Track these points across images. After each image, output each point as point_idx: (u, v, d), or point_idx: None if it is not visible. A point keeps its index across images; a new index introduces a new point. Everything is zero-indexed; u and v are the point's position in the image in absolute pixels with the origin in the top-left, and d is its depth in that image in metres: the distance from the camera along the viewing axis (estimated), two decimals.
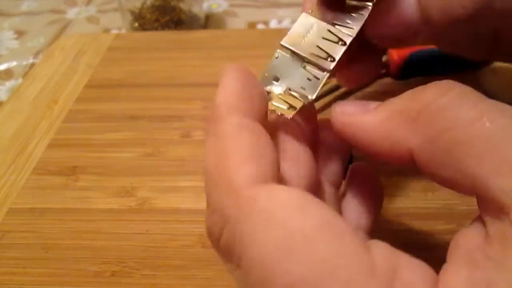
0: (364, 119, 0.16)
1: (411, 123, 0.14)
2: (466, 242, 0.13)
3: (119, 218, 0.30)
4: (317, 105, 0.37)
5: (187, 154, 0.35)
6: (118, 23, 0.58)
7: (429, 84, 0.15)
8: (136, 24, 0.54)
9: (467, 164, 0.13)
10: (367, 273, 0.12)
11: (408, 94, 0.15)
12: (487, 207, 0.13)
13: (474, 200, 0.14)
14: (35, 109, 0.40)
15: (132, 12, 0.53)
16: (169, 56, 0.46)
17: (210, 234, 0.15)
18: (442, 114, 0.14)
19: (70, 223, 0.30)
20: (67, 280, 0.27)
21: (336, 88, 0.37)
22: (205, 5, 0.59)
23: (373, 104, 0.17)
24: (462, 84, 0.14)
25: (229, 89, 0.17)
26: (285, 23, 0.56)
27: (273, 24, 0.57)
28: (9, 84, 0.49)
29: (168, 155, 0.35)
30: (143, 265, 0.27)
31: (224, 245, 0.14)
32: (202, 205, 0.30)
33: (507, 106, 0.13)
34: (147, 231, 0.29)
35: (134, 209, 0.31)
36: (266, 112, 0.18)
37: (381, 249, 0.13)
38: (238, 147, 0.14)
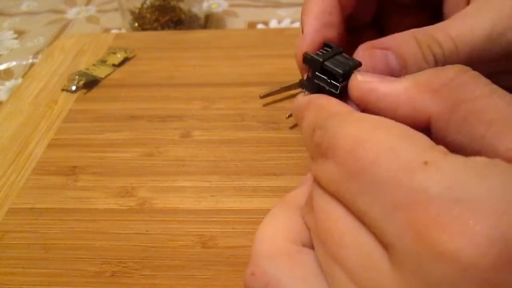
0: (390, 85, 0.18)
1: (434, 92, 0.17)
2: None
3: (119, 218, 0.30)
4: None
5: (187, 154, 0.35)
6: (118, 23, 0.58)
7: (448, 66, 0.17)
8: (136, 24, 0.54)
9: (479, 128, 0.15)
10: (430, 144, 0.14)
11: (430, 71, 0.18)
12: None
13: None
14: (35, 109, 0.40)
15: (132, 12, 0.53)
16: (169, 56, 0.46)
17: (314, 147, 0.17)
18: (463, 87, 0.16)
19: (70, 223, 0.30)
20: (67, 280, 0.27)
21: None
22: (205, 5, 0.59)
23: (391, 78, 0.19)
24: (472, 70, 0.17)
25: None
26: (285, 23, 0.56)
27: (273, 24, 0.57)
28: (9, 84, 0.49)
29: (168, 155, 0.35)
30: (143, 265, 0.27)
31: (325, 146, 0.16)
32: (202, 205, 0.30)
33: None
34: (147, 231, 0.29)
35: (134, 209, 0.31)
36: None
37: None
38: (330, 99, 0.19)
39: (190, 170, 0.33)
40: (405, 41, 0.21)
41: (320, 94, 0.20)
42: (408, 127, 0.15)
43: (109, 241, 0.29)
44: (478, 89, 0.16)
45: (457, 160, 0.13)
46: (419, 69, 0.20)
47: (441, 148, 0.14)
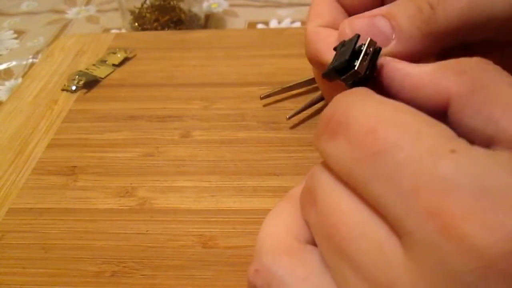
0: (417, 67, 0.18)
1: (457, 75, 0.17)
2: None
3: (119, 218, 0.30)
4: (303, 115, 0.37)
5: (187, 154, 0.35)
6: (118, 23, 0.58)
7: (471, 58, 0.17)
8: (136, 24, 0.54)
9: (494, 113, 0.15)
10: (454, 134, 0.14)
11: (454, 60, 0.17)
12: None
13: None
14: (35, 109, 0.40)
15: (132, 12, 0.53)
16: (169, 56, 0.46)
17: (323, 121, 0.16)
18: (484, 74, 0.16)
19: (70, 223, 0.30)
20: (67, 280, 0.27)
21: (318, 100, 0.37)
22: (205, 5, 0.59)
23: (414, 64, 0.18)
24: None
25: None
26: (285, 23, 0.56)
27: (273, 24, 0.56)
28: (9, 84, 0.49)
29: (168, 155, 0.35)
30: (143, 265, 0.27)
31: (335, 121, 0.16)
32: (202, 205, 0.30)
33: None
34: (147, 231, 0.29)
35: (134, 209, 0.31)
36: None
37: None
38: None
39: (190, 170, 0.33)
40: (396, 2, 0.20)
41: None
42: (430, 117, 0.15)
43: (109, 241, 0.29)
44: (498, 78, 0.16)
45: (483, 151, 0.13)
46: (414, 21, 0.20)
47: (464, 140, 0.14)
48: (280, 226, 0.18)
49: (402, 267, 0.13)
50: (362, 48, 0.19)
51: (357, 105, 0.15)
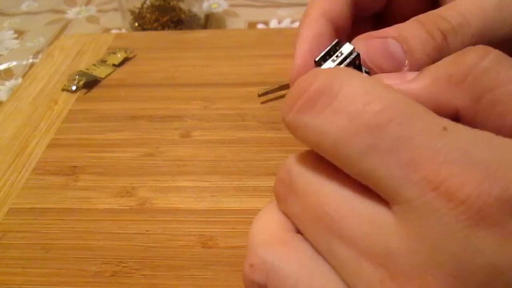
0: (409, 86, 0.17)
1: (457, 85, 0.16)
2: None
3: (119, 218, 0.30)
4: None
5: (187, 154, 0.35)
6: (118, 23, 0.58)
7: (467, 49, 0.17)
8: (136, 24, 0.54)
9: (507, 118, 0.15)
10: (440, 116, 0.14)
11: (448, 60, 0.17)
12: None
13: None
14: (35, 109, 0.40)
15: (132, 12, 0.53)
16: (169, 56, 0.46)
17: (294, 93, 0.16)
18: (485, 76, 0.16)
19: (70, 223, 0.30)
20: (67, 280, 0.27)
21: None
22: (205, 5, 0.59)
23: (410, 74, 0.18)
24: (494, 49, 0.16)
25: None
26: (285, 23, 0.56)
27: (273, 24, 0.57)
28: (9, 84, 0.49)
29: (168, 155, 0.35)
30: (143, 265, 0.27)
31: (313, 91, 0.15)
32: (202, 205, 0.30)
33: None
34: (147, 231, 0.29)
35: (134, 209, 0.31)
36: None
37: None
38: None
39: (190, 170, 0.33)
40: (406, 25, 0.20)
41: None
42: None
43: (109, 241, 0.29)
44: (502, 74, 0.15)
45: (469, 129, 0.14)
46: (426, 48, 0.19)
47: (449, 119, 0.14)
48: (269, 220, 0.18)
49: (396, 234, 0.13)
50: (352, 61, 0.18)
51: (342, 78, 0.15)
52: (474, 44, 0.17)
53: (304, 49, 0.22)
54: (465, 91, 0.16)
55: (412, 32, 0.20)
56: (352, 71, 0.15)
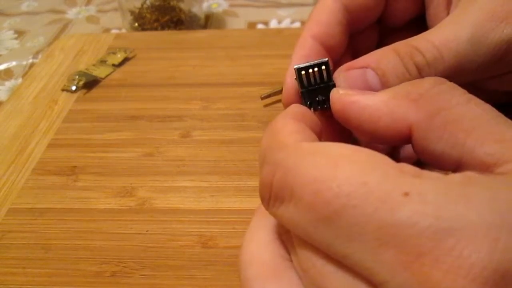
0: (369, 97, 0.18)
1: (413, 102, 0.17)
2: None
3: (119, 218, 0.30)
4: None
5: (187, 154, 0.35)
6: (118, 23, 0.58)
7: (425, 78, 0.18)
8: (136, 24, 0.54)
9: (459, 136, 0.15)
10: (398, 170, 0.14)
11: (408, 83, 0.18)
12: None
13: None
14: (35, 109, 0.40)
15: (132, 12, 0.53)
16: (169, 56, 0.46)
17: (263, 187, 0.16)
18: (441, 97, 0.16)
19: (70, 223, 0.30)
20: (67, 280, 0.27)
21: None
22: (205, 5, 0.59)
23: (371, 92, 0.19)
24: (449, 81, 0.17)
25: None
26: (285, 23, 0.56)
27: (273, 24, 0.57)
28: (9, 84, 0.49)
29: (168, 155, 0.35)
30: (143, 265, 0.27)
31: (276, 186, 0.15)
32: (202, 205, 0.30)
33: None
34: (147, 231, 0.29)
35: (134, 209, 0.31)
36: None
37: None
38: (286, 124, 0.17)
39: (190, 170, 0.33)
40: (384, 55, 0.21)
41: (286, 113, 0.19)
42: (368, 150, 0.15)
43: (109, 241, 0.29)
44: (455, 98, 0.16)
45: (436, 184, 0.13)
46: (402, 81, 0.20)
47: (410, 169, 0.14)
48: (261, 246, 0.18)
49: None
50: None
51: (291, 162, 0.15)
52: (446, 76, 0.18)
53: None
54: (420, 107, 0.17)
55: (389, 65, 0.20)
56: (296, 149, 0.15)
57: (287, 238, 0.17)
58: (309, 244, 0.15)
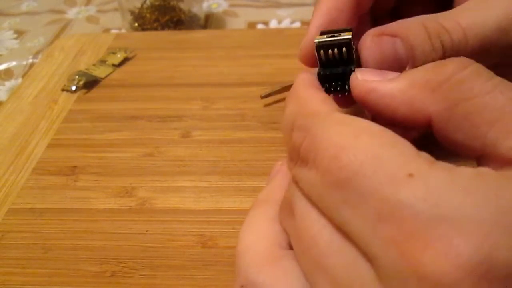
0: (387, 86, 0.18)
1: (432, 92, 0.16)
2: None
3: (119, 218, 0.30)
4: None
5: (187, 154, 0.35)
6: (118, 23, 0.58)
7: (448, 59, 0.17)
8: (136, 24, 0.54)
9: (480, 128, 0.15)
10: (415, 153, 0.14)
11: (428, 67, 0.17)
12: (492, 165, 0.15)
13: None
14: (35, 109, 0.40)
15: (132, 12, 0.53)
16: (169, 56, 0.46)
17: (292, 150, 0.17)
18: (462, 86, 0.16)
19: (70, 223, 0.30)
20: (67, 280, 0.27)
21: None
22: (205, 5, 0.59)
23: (391, 74, 0.18)
24: (475, 62, 0.16)
25: None
26: (285, 23, 0.56)
27: (273, 24, 0.57)
28: (9, 84, 0.49)
29: (168, 155, 0.35)
30: (143, 265, 0.27)
31: (304, 150, 0.16)
32: (202, 205, 0.30)
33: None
34: (146, 231, 0.29)
35: (134, 209, 0.31)
36: None
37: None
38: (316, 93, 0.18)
39: (190, 170, 0.33)
40: (414, 29, 0.20)
41: (309, 83, 0.19)
42: (392, 132, 0.15)
43: (109, 241, 0.29)
44: (478, 86, 0.15)
45: (443, 172, 0.13)
46: (426, 58, 0.20)
47: (426, 156, 0.14)
48: (258, 235, 0.18)
49: (374, 286, 0.13)
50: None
51: (321, 132, 0.15)
52: (470, 57, 0.18)
53: (317, 24, 0.23)
54: (440, 97, 0.16)
55: (418, 40, 0.20)
56: (326, 117, 0.16)
57: (287, 213, 0.17)
58: (316, 208, 0.15)
